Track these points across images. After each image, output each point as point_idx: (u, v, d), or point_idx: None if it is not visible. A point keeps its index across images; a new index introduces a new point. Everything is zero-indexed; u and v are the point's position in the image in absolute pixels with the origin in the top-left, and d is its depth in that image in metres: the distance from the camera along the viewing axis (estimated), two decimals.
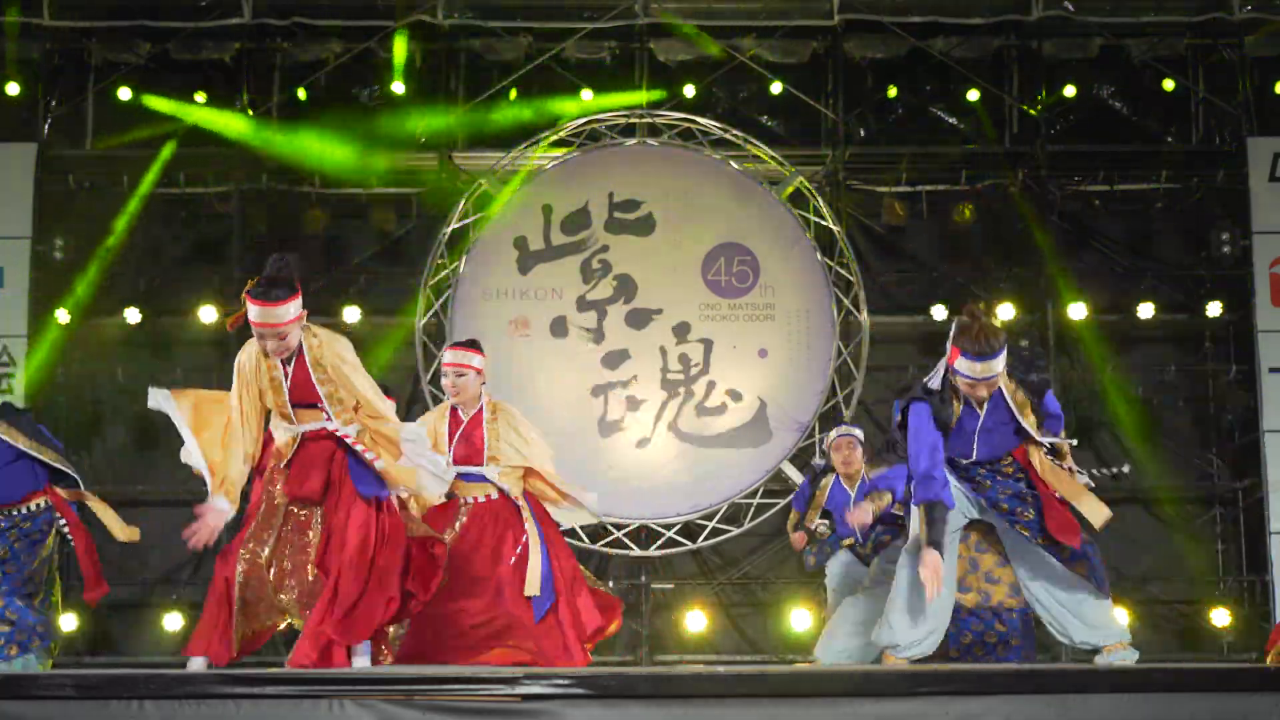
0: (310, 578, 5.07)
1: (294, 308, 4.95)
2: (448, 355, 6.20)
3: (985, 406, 5.19)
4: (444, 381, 6.18)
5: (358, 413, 5.13)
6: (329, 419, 5.10)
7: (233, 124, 10.75)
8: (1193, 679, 4.03)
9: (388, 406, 5.29)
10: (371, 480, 5.10)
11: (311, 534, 5.11)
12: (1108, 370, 10.81)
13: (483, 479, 6.06)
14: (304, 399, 5.10)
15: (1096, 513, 5.21)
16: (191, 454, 5.13)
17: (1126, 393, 10.81)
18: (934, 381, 5.21)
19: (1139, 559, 10.64)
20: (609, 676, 3.93)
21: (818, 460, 8.53)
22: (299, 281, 5.00)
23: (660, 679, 3.97)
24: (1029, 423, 5.22)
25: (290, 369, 5.07)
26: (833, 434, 7.70)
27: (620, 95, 10.94)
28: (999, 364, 5.06)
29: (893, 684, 3.94)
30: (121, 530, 6.74)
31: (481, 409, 6.14)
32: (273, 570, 5.07)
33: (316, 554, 5.05)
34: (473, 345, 6.31)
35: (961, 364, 5.05)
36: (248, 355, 5.12)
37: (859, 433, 7.64)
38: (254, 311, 4.93)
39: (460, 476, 6.00)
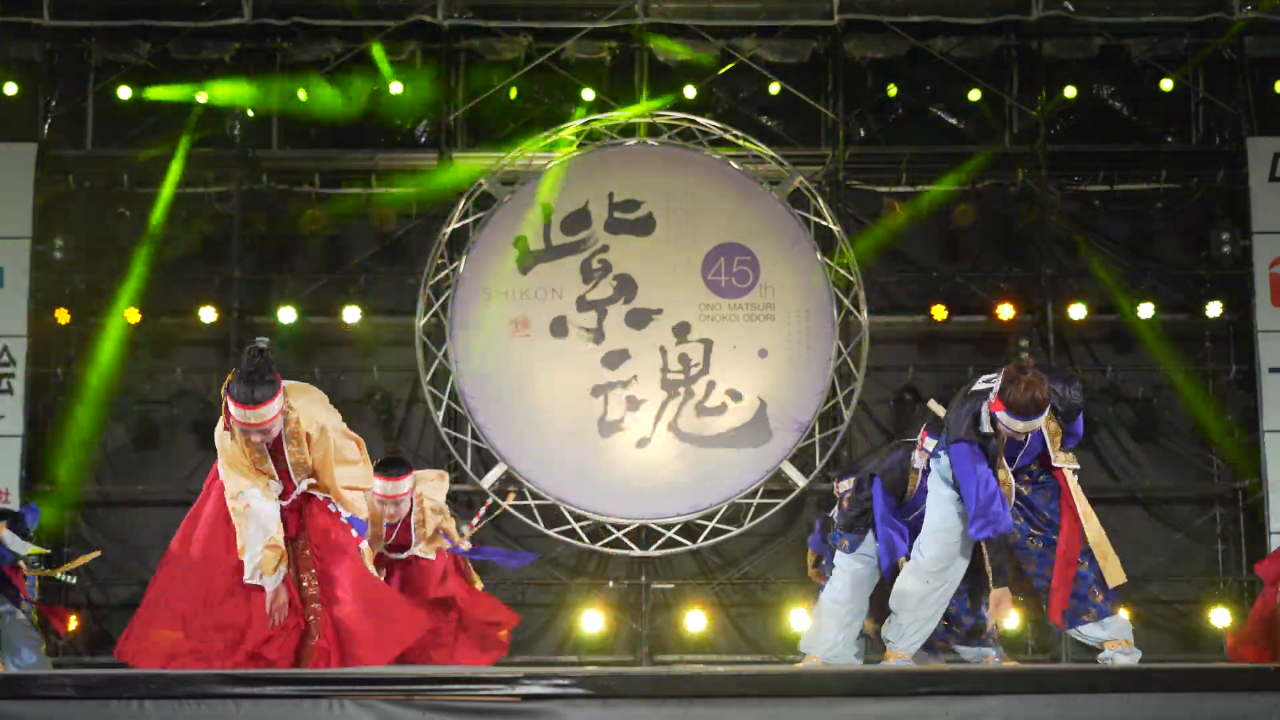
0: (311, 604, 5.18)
1: (277, 404, 4.96)
2: (377, 484, 6.25)
3: (1028, 437, 5.23)
4: (382, 509, 6.47)
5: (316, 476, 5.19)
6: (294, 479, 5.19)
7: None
8: (1193, 679, 4.02)
9: (356, 496, 5.27)
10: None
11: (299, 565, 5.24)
12: (1108, 370, 10.82)
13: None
14: (281, 463, 5.20)
15: (1115, 574, 5.23)
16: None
17: (1126, 393, 10.82)
18: (962, 421, 5.21)
19: (1139, 559, 10.62)
20: (609, 676, 3.93)
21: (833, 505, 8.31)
22: (277, 373, 4.99)
23: (660, 679, 3.97)
24: (1054, 448, 5.26)
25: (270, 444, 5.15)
26: (845, 483, 7.61)
27: (623, 110, 10.92)
28: (1041, 420, 5.10)
29: (893, 684, 3.93)
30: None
31: (412, 508, 6.63)
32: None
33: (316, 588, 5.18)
34: (398, 469, 6.56)
35: (1004, 418, 5.07)
36: (229, 438, 5.09)
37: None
38: (238, 413, 4.91)
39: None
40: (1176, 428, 10.92)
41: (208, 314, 10.58)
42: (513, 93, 11.06)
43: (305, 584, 5.16)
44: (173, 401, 10.65)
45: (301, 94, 10.92)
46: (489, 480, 10.36)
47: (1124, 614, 5.24)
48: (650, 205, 10.75)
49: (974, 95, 11.05)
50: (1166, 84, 10.98)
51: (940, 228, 11.11)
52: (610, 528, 10.38)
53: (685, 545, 10.41)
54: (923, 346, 11.01)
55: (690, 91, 10.99)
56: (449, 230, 10.64)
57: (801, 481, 10.35)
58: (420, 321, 10.49)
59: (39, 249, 10.59)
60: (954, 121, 11.36)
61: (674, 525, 10.38)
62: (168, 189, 10.66)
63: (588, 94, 10.99)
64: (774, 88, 11.07)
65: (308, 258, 11.11)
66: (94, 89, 11.04)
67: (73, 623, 10.09)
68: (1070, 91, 11.05)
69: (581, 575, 10.78)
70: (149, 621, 5.03)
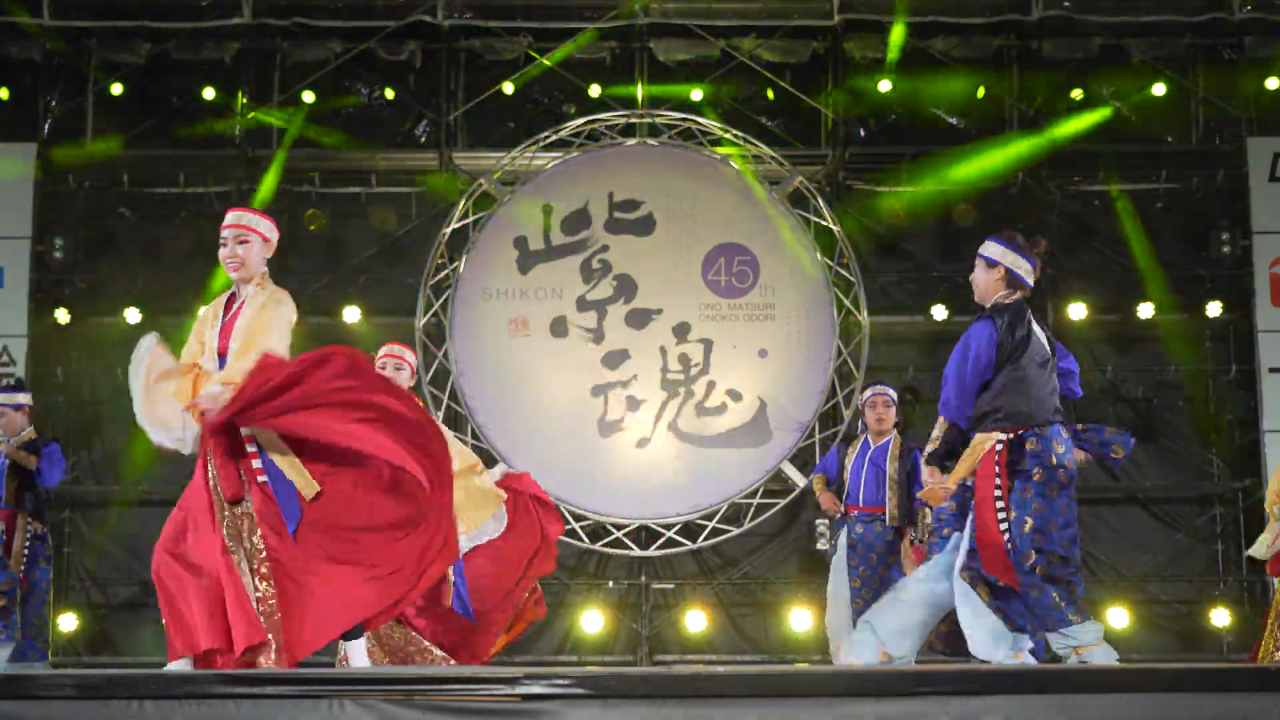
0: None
1: (264, 226, 5.05)
2: (382, 349, 6.47)
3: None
4: (381, 366, 6.34)
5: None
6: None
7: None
8: (1193, 679, 4.02)
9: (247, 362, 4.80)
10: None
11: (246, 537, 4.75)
12: (1108, 370, 10.82)
13: None
14: (224, 350, 4.92)
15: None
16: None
17: (1126, 393, 10.82)
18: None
19: (1139, 559, 10.65)
20: (609, 676, 3.92)
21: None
22: (277, 228, 5.12)
23: (660, 679, 3.96)
24: None
25: (228, 314, 4.98)
26: (867, 392, 7.83)
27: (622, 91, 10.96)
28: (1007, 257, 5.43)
29: (893, 684, 3.93)
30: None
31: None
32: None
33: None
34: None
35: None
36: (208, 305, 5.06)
37: (893, 392, 7.79)
38: (227, 218, 5.05)
39: None
40: (1176, 428, 10.92)
41: None
42: (506, 85, 11.01)
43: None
44: None
45: (308, 95, 10.92)
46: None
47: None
48: (650, 205, 10.76)
49: (977, 93, 11.07)
50: (1159, 88, 10.96)
51: (940, 228, 11.12)
52: (610, 528, 10.38)
53: (685, 545, 10.42)
54: (923, 346, 11.00)
55: (694, 93, 11.01)
56: (449, 230, 10.64)
57: (801, 481, 10.35)
58: (420, 321, 10.50)
59: (39, 249, 10.59)
60: (954, 121, 11.36)
61: (674, 525, 10.39)
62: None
63: (595, 90, 10.99)
64: (774, 88, 11.08)
65: (308, 258, 11.12)
66: (94, 89, 11.05)
67: (73, 622, 10.10)
68: (1077, 93, 11.07)
69: (581, 575, 10.79)
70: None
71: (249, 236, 5.05)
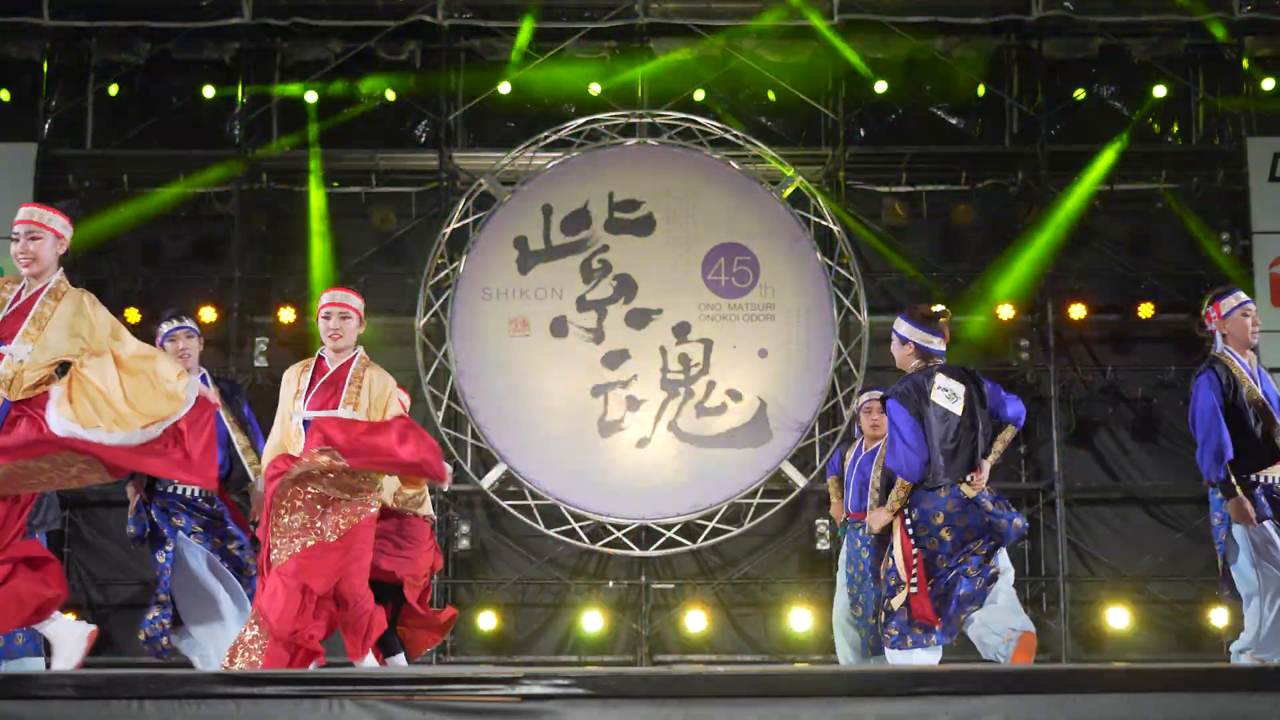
0: None
1: (58, 223, 4.92)
2: (325, 295, 5.81)
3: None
4: (325, 324, 5.67)
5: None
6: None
7: None
8: (1193, 679, 4.02)
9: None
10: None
11: None
12: (1108, 370, 10.82)
13: None
14: (6, 337, 4.82)
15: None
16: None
17: (1126, 393, 10.82)
18: None
19: (1139, 559, 10.65)
20: (609, 676, 3.92)
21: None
22: (71, 221, 4.99)
23: (660, 679, 3.97)
24: None
25: (20, 298, 4.86)
26: (863, 396, 7.72)
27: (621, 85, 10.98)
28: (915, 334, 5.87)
29: (893, 684, 3.93)
30: None
31: (355, 360, 5.70)
32: None
33: None
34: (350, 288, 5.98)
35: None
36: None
37: None
38: (19, 214, 4.91)
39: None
40: (1176, 428, 10.91)
41: (208, 314, 10.58)
42: (505, 86, 11.01)
43: None
44: None
45: (310, 95, 10.91)
46: (489, 480, 10.36)
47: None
48: (650, 205, 10.76)
49: (977, 93, 11.07)
50: (1166, 84, 10.97)
51: (940, 228, 11.12)
52: (610, 528, 10.38)
53: (685, 545, 10.42)
54: None
55: (695, 93, 11.00)
56: (449, 230, 10.65)
57: (801, 481, 10.36)
58: (420, 321, 10.50)
59: None
60: (954, 121, 11.37)
61: (674, 525, 10.39)
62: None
63: (589, 92, 10.99)
64: (774, 88, 11.08)
65: (308, 258, 11.11)
66: (94, 89, 11.06)
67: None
68: (1080, 94, 11.07)
69: (581, 575, 10.79)
70: None
71: (41, 233, 4.93)
